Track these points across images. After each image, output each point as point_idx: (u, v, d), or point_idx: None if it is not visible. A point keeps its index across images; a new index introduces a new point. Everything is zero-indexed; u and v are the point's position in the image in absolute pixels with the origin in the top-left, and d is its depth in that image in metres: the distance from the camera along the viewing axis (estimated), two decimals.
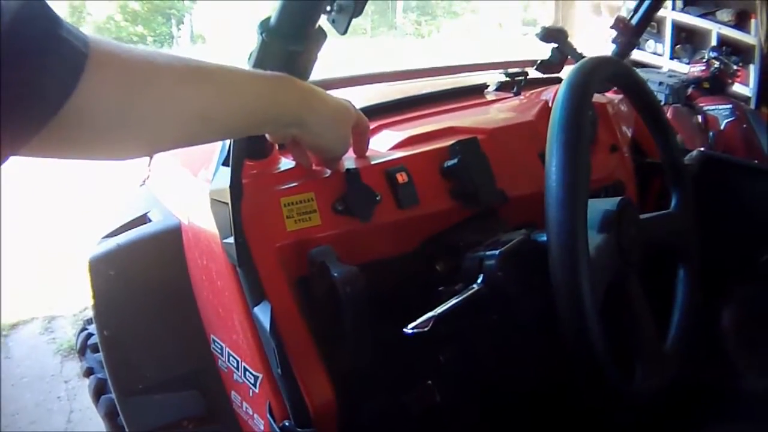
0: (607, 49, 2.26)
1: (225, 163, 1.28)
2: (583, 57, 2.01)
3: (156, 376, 1.58)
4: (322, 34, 1.22)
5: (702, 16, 6.43)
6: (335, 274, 1.19)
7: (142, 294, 1.57)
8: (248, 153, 1.32)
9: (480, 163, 1.51)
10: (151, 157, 2.01)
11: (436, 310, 1.17)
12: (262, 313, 1.25)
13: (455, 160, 1.48)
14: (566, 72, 2.04)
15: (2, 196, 5.00)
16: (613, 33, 2.24)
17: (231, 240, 1.26)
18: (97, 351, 2.03)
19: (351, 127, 1.34)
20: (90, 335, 2.16)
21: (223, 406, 1.54)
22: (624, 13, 2.35)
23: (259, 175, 1.36)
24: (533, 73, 2.21)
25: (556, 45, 2.13)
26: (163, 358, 1.58)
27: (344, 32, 1.20)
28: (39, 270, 5.34)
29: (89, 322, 2.28)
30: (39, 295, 5.03)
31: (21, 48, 0.71)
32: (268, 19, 1.18)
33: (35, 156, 0.83)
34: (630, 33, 2.21)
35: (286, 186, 1.34)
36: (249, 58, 1.22)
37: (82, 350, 2.17)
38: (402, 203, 1.41)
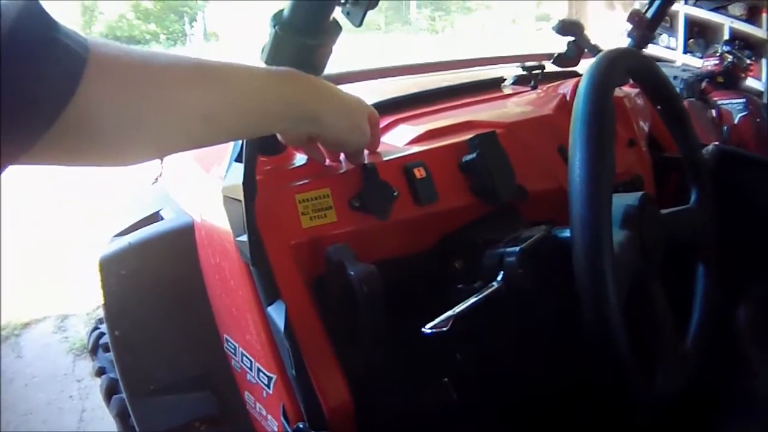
0: (623, 43, 2.24)
1: (238, 160, 1.26)
2: (600, 50, 1.99)
3: (168, 376, 1.55)
4: (336, 27, 1.20)
5: (714, 10, 6.42)
6: (352, 273, 1.17)
7: (153, 294, 1.55)
8: (261, 149, 1.30)
9: (499, 158, 1.48)
10: None
11: (455, 309, 1.15)
12: (276, 313, 1.22)
13: (474, 155, 1.45)
14: (583, 66, 2.03)
15: (1, 204, 5.00)
16: (629, 27, 2.22)
17: (244, 238, 1.23)
18: (109, 351, 2.02)
19: (367, 118, 1.32)
20: (102, 334, 2.15)
21: (236, 407, 1.51)
22: (638, 7, 2.32)
23: (272, 171, 1.33)
24: (549, 67, 2.19)
25: (572, 38, 2.11)
26: (175, 358, 1.55)
27: (359, 25, 1.18)
28: (52, 268, 5.35)
29: (101, 321, 2.27)
30: (52, 294, 5.04)
31: (19, 54, 0.70)
32: (282, 11, 1.16)
33: (37, 164, 0.81)
34: (645, 26, 2.19)
35: (301, 182, 1.31)
36: (262, 52, 1.20)
37: (94, 350, 2.16)
38: (420, 199, 1.38)
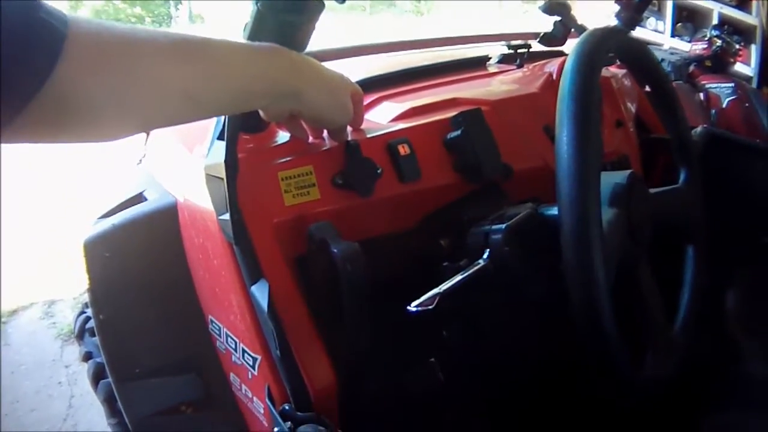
0: (610, 24, 2.23)
1: (220, 138, 1.25)
2: (585, 29, 1.99)
3: (153, 360, 1.55)
4: (319, 4, 1.19)
5: None
6: (335, 251, 1.15)
7: (137, 275, 1.53)
8: (243, 126, 1.29)
9: (484, 136, 1.47)
10: (147, 135, 1.98)
11: (440, 286, 1.14)
12: (260, 293, 1.21)
13: (458, 132, 1.44)
14: (569, 46, 2.02)
15: None
16: (616, 8, 2.21)
17: (227, 216, 1.22)
18: (95, 335, 2.01)
19: (350, 95, 1.30)
20: (88, 319, 2.14)
21: (222, 390, 1.51)
22: None
23: (255, 149, 1.32)
24: (536, 46, 2.19)
25: (559, 18, 2.11)
26: (160, 341, 1.54)
27: (342, 1, 1.17)
28: (37, 254, 5.34)
29: (87, 305, 2.26)
30: (38, 280, 5.03)
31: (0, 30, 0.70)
32: None
33: (17, 141, 0.81)
34: (633, 9, 2.18)
35: (284, 159, 1.30)
36: (244, 30, 1.19)
37: (81, 334, 2.15)
38: (404, 176, 1.37)
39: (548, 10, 2.09)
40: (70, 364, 4.00)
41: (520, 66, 2.10)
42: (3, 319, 4.64)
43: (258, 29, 1.16)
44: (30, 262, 5.25)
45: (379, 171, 1.34)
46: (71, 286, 4.69)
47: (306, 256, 1.27)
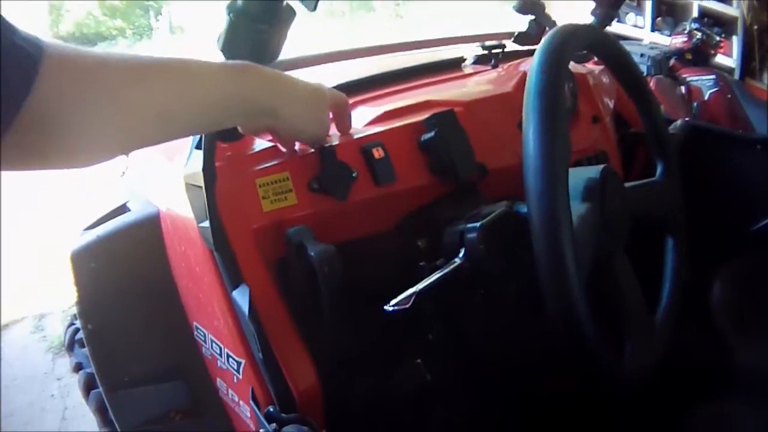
0: (586, 21, 2.24)
1: (198, 147, 1.27)
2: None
3: (141, 368, 1.56)
4: (290, 12, 1.20)
5: None
6: (312, 254, 1.17)
7: (123, 285, 1.55)
8: (220, 135, 1.31)
9: (458, 136, 1.49)
10: None
11: (417, 286, 1.16)
12: (241, 297, 1.23)
13: (432, 134, 1.46)
14: None
15: None
16: (592, 5, 2.22)
17: (206, 224, 1.24)
18: (85, 346, 2.02)
19: (327, 108, 1.32)
20: (78, 330, 2.15)
21: (210, 395, 1.52)
22: None
23: (233, 157, 1.34)
24: (511, 46, 2.20)
25: (533, 17, 2.12)
26: (147, 349, 1.56)
27: (313, 9, 1.19)
28: (26, 268, 5.33)
29: (76, 316, 2.27)
30: (28, 294, 5.02)
31: None
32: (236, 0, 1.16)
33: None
34: (609, 4, 2.20)
35: (261, 166, 1.32)
36: (218, 40, 1.21)
37: (71, 345, 2.16)
38: (379, 179, 1.39)
39: (522, 9, 2.11)
40: (62, 376, 4.01)
41: (495, 66, 2.11)
42: None
43: (231, 39, 1.18)
44: (19, 276, 5.25)
45: (354, 175, 1.36)
46: (60, 299, 4.69)
47: (285, 259, 1.28)
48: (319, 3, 1.18)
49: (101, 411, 1.77)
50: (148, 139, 1.05)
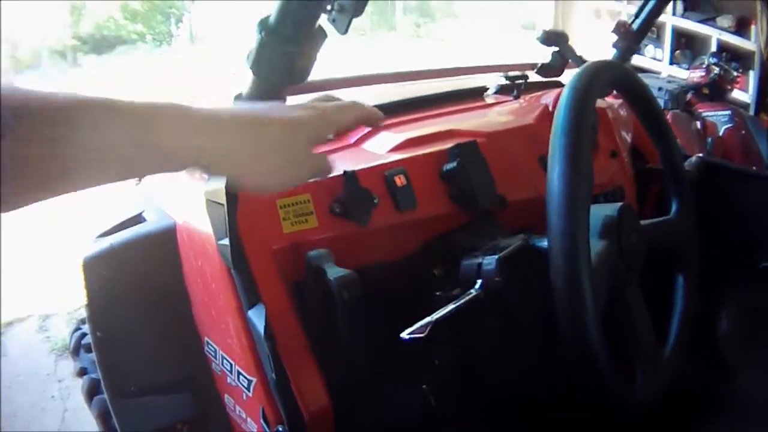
0: (608, 53, 2.25)
1: None
2: (584, 61, 2.01)
3: (149, 378, 1.56)
4: (322, 34, 1.20)
5: (702, 21, 6.42)
6: (332, 278, 1.18)
7: (135, 295, 1.55)
8: None
9: (479, 167, 1.50)
10: None
11: (433, 315, 1.16)
12: (257, 317, 1.23)
13: (454, 164, 1.47)
14: (567, 76, 2.04)
15: None
16: (614, 37, 2.23)
17: (226, 241, 1.24)
18: (91, 351, 2.02)
19: (317, 140, 1.04)
20: (84, 335, 2.15)
21: (217, 410, 1.52)
22: (625, 18, 2.33)
23: None
24: (533, 77, 2.20)
25: (556, 48, 2.13)
26: (156, 360, 1.56)
27: (344, 32, 1.18)
28: (34, 268, 5.32)
29: (83, 321, 2.27)
30: (34, 293, 5.02)
31: None
32: (268, 17, 1.16)
33: None
34: (631, 38, 2.20)
35: None
36: (247, 58, 1.20)
37: (76, 350, 2.16)
38: (400, 206, 1.40)
39: (545, 40, 2.12)
40: (63, 378, 4.00)
41: (517, 97, 2.12)
42: (2, 330, 4.65)
43: (261, 58, 1.18)
44: (26, 275, 5.24)
45: (375, 201, 1.37)
46: (66, 301, 4.69)
47: (303, 282, 1.29)
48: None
49: (104, 417, 1.78)
50: (101, 180, 0.89)
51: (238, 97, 1.21)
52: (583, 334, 1.08)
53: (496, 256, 1.23)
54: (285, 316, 1.27)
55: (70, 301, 4.65)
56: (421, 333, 1.13)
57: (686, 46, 6.67)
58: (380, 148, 1.58)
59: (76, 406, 3.64)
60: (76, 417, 3.59)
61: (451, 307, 1.19)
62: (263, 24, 1.15)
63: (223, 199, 1.22)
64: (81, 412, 3.50)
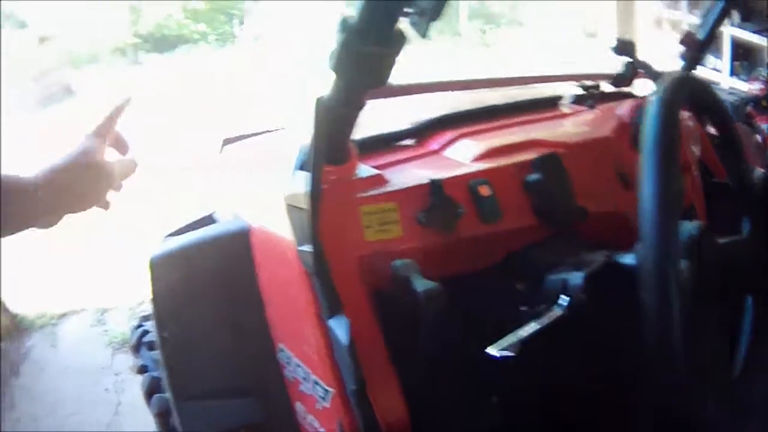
0: (673, 62, 2.23)
1: (302, 168, 1.26)
2: (655, 71, 2.00)
3: (215, 381, 1.55)
4: (403, 37, 1.18)
5: (756, 32, 6.36)
6: (419, 290, 1.16)
7: (205, 297, 1.54)
8: (329, 158, 1.29)
9: (561, 179, 1.50)
10: (222, 147, 1.99)
11: (520, 332, 1.15)
12: (339, 327, 1.22)
13: (538, 175, 1.46)
14: (639, 87, 2.03)
15: None
16: (681, 48, 2.21)
17: (308, 248, 1.23)
18: (152, 349, 2.03)
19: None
20: (146, 332, 2.16)
21: (285, 416, 1.50)
22: (685, 27, 2.32)
23: (337, 182, 1.32)
24: (605, 86, 2.19)
25: (628, 58, 2.11)
26: (224, 363, 1.55)
27: (424, 35, 1.17)
28: (93, 260, 5.36)
29: (145, 318, 2.27)
30: (91, 286, 5.05)
31: None
32: (349, 18, 1.14)
33: None
34: (696, 47, 2.18)
35: (367, 194, 1.32)
36: (330, 58, 1.19)
37: (137, 347, 2.17)
38: (485, 217, 1.39)
39: (618, 50, 2.10)
40: (119, 372, 4.03)
41: (591, 107, 2.10)
42: (53, 321, 4.67)
43: (342, 58, 1.16)
44: (84, 267, 5.28)
45: (461, 210, 1.35)
46: (126, 295, 4.72)
47: (384, 291, 1.28)
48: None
49: (162, 416, 1.78)
50: None
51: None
52: (671, 353, 1.06)
53: (582, 273, 1.22)
54: (366, 325, 1.25)
55: (129, 296, 4.68)
56: (511, 351, 1.12)
57: (744, 57, 6.61)
58: (463, 156, 1.56)
59: (130, 400, 3.66)
60: (130, 412, 3.61)
61: (538, 324, 1.18)
62: (344, 24, 1.13)
63: (305, 204, 1.21)
64: (135, 407, 3.54)
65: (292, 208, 1.29)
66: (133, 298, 4.68)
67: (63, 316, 4.74)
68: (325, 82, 1.21)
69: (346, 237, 1.28)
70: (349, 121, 1.25)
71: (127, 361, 4.00)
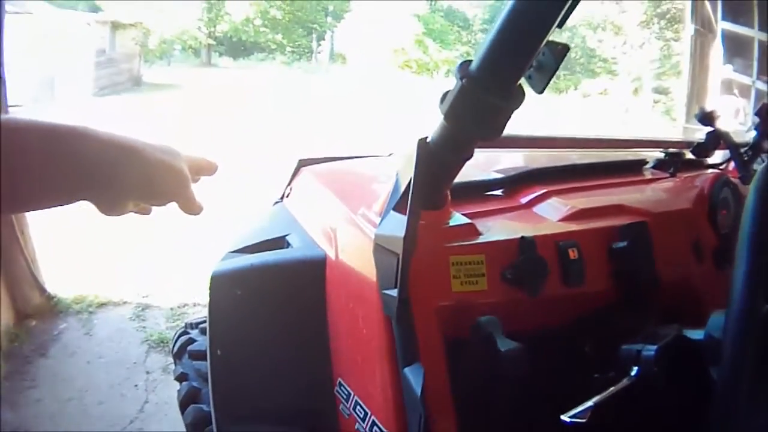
0: (741, 128, 2.22)
1: (396, 209, 1.24)
2: (737, 144, 1.99)
3: (265, 405, 1.55)
4: (522, 93, 1.15)
5: None
6: (502, 350, 1.15)
7: (268, 320, 1.54)
8: (425, 203, 1.27)
9: (646, 248, 1.49)
10: (294, 172, 1.98)
11: (593, 399, 1.14)
12: (414, 376, 1.20)
13: (625, 243, 1.46)
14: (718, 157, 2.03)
15: None
16: (756, 120, 2.20)
17: (393, 293, 1.20)
18: (197, 359, 2.01)
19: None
20: (191, 340, 2.14)
21: None
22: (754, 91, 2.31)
23: (429, 227, 1.30)
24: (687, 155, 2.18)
25: (712, 129, 2.10)
26: (277, 388, 1.55)
27: (541, 91, 1.14)
28: (140, 255, 5.39)
29: (192, 326, 2.27)
30: (137, 281, 5.09)
31: None
32: (469, 63, 1.10)
33: None
34: None
35: (457, 244, 1.31)
36: (442, 101, 1.15)
37: (179, 354, 2.15)
38: (569, 280, 1.38)
39: (702, 119, 2.09)
40: (152, 371, 4.04)
41: (673, 174, 2.08)
42: (90, 309, 4.69)
43: (458, 104, 1.14)
44: (130, 261, 5.31)
45: (547, 271, 1.34)
46: (169, 296, 4.73)
47: (461, 343, 1.26)
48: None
49: (195, 426, 1.77)
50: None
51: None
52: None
53: (656, 345, 1.20)
54: (440, 377, 1.23)
55: (172, 297, 4.70)
56: (583, 417, 1.11)
57: None
58: (552, 214, 1.56)
59: (158, 401, 3.67)
60: (155, 412, 3.62)
61: (610, 391, 1.17)
62: (464, 70, 1.10)
63: (398, 248, 1.19)
64: (161, 408, 3.54)
65: (381, 249, 1.27)
66: (177, 299, 4.70)
67: (103, 305, 4.77)
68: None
69: (432, 285, 1.27)
70: (454, 169, 1.24)
71: (160, 361, 4.03)
